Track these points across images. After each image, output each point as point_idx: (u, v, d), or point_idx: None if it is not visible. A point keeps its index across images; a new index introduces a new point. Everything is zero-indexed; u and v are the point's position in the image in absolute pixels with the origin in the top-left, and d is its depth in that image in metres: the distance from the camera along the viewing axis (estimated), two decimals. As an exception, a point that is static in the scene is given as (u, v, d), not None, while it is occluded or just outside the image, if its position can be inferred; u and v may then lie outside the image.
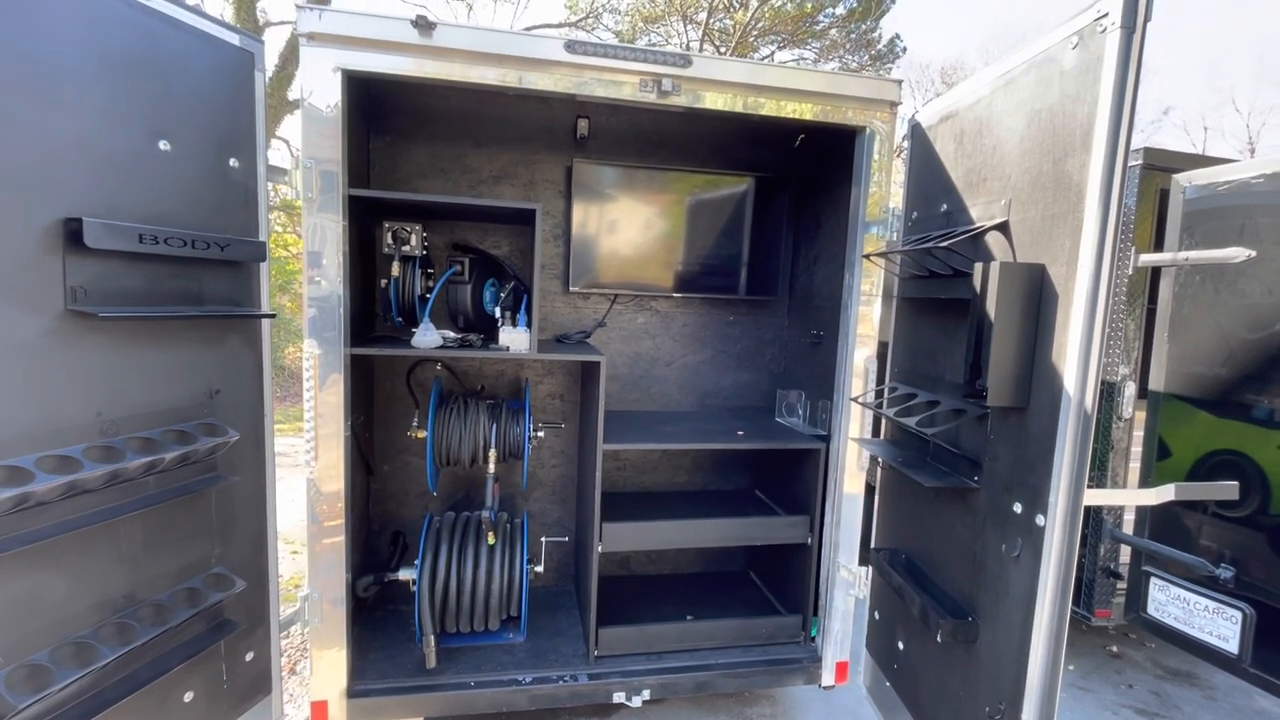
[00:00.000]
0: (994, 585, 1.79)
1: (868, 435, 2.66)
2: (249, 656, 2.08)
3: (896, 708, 2.37)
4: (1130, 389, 3.27)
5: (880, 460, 2.63)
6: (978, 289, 1.75)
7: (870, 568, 2.60)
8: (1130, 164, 3.26)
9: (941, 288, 2.12)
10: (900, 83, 2.59)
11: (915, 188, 2.47)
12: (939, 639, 1.88)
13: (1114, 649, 3.88)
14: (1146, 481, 3.15)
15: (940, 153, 2.27)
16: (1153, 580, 3.10)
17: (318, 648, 2.33)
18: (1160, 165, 3.25)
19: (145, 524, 1.72)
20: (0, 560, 1.41)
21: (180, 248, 1.70)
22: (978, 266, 1.75)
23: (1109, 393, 3.29)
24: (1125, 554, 3.28)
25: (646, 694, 2.64)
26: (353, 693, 2.43)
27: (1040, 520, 1.60)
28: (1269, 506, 2.68)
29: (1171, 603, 3.01)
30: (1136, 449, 3.28)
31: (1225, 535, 2.81)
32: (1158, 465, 3.17)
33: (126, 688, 1.66)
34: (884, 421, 2.65)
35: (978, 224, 1.94)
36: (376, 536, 3.20)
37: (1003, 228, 1.83)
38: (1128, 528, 3.27)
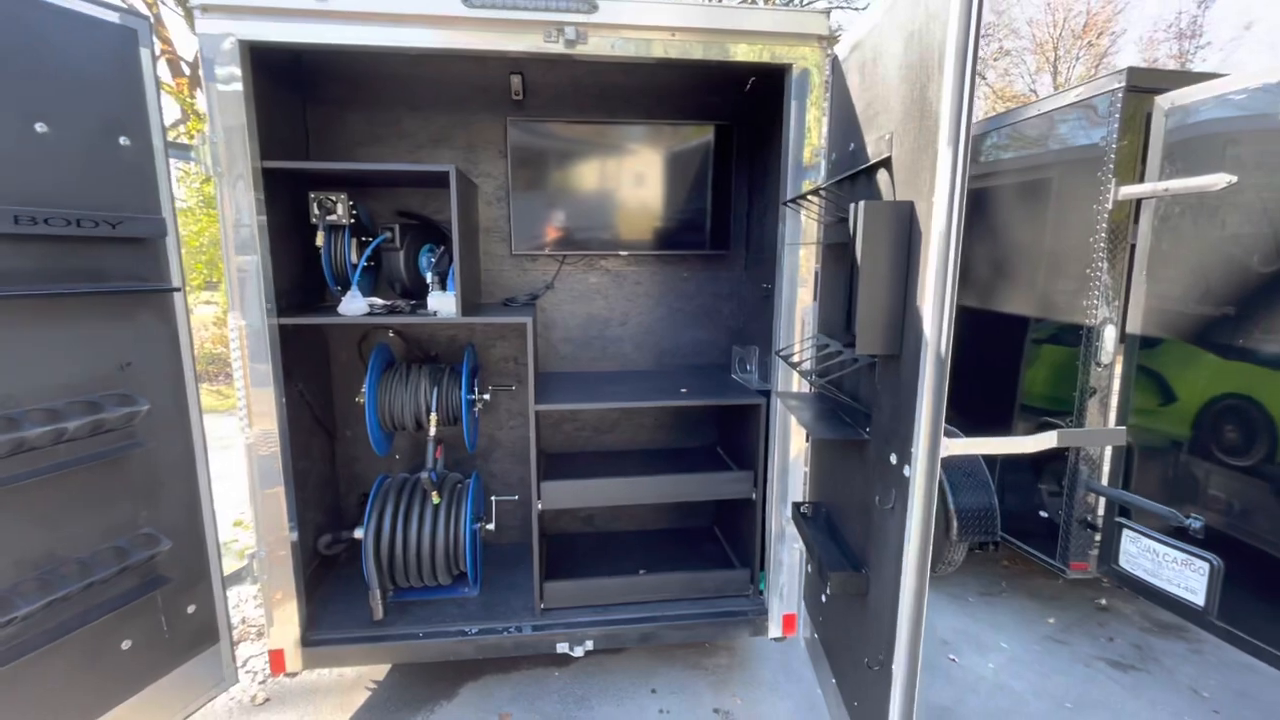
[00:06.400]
0: (878, 537, 1.75)
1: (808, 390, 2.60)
2: (190, 609, 2.24)
3: (820, 660, 2.37)
4: (1110, 332, 3.06)
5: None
6: (850, 231, 1.65)
7: (805, 522, 2.57)
8: (1112, 86, 3.00)
9: (841, 232, 2.02)
10: (828, 14, 2.43)
11: (834, 127, 2.33)
12: (828, 591, 1.86)
13: (1103, 601, 3.75)
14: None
15: (850, 87, 2.13)
16: (1124, 532, 2.96)
17: (271, 601, 2.48)
18: (1146, 87, 2.94)
19: (61, 489, 1.85)
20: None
21: (64, 227, 1.77)
22: (850, 207, 1.66)
23: (1087, 337, 3.10)
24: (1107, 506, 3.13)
25: (590, 644, 2.72)
26: (307, 641, 2.58)
27: (907, 471, 1.54)
28: (1277, 454, 2.49)
29: (1142, 555, 2.87)
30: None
31: (1233, 485, 2.62)
32: (1162, 410, 2.98)
33: (51, 636, 1.81)
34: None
35: (871, 161, 1.82)
36: (344, 497, 3.34)
37: (886, 164, 1.72)
38: (1120, 480, 3.11)
